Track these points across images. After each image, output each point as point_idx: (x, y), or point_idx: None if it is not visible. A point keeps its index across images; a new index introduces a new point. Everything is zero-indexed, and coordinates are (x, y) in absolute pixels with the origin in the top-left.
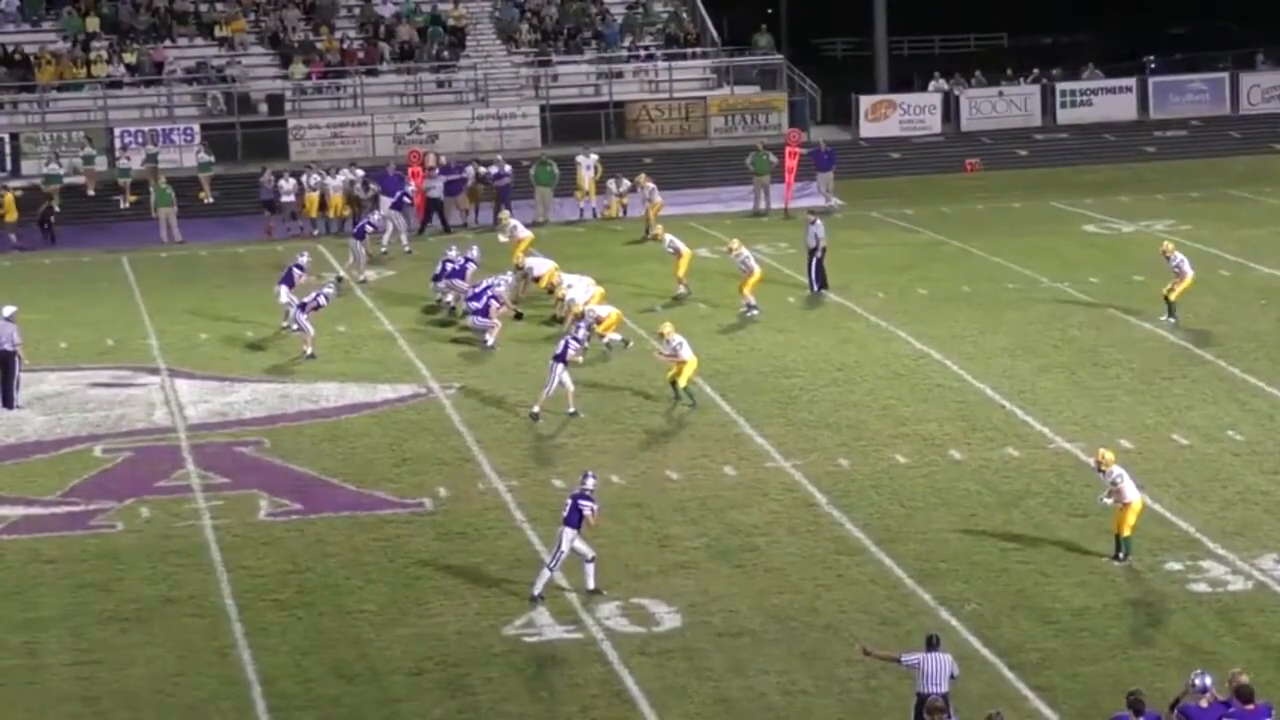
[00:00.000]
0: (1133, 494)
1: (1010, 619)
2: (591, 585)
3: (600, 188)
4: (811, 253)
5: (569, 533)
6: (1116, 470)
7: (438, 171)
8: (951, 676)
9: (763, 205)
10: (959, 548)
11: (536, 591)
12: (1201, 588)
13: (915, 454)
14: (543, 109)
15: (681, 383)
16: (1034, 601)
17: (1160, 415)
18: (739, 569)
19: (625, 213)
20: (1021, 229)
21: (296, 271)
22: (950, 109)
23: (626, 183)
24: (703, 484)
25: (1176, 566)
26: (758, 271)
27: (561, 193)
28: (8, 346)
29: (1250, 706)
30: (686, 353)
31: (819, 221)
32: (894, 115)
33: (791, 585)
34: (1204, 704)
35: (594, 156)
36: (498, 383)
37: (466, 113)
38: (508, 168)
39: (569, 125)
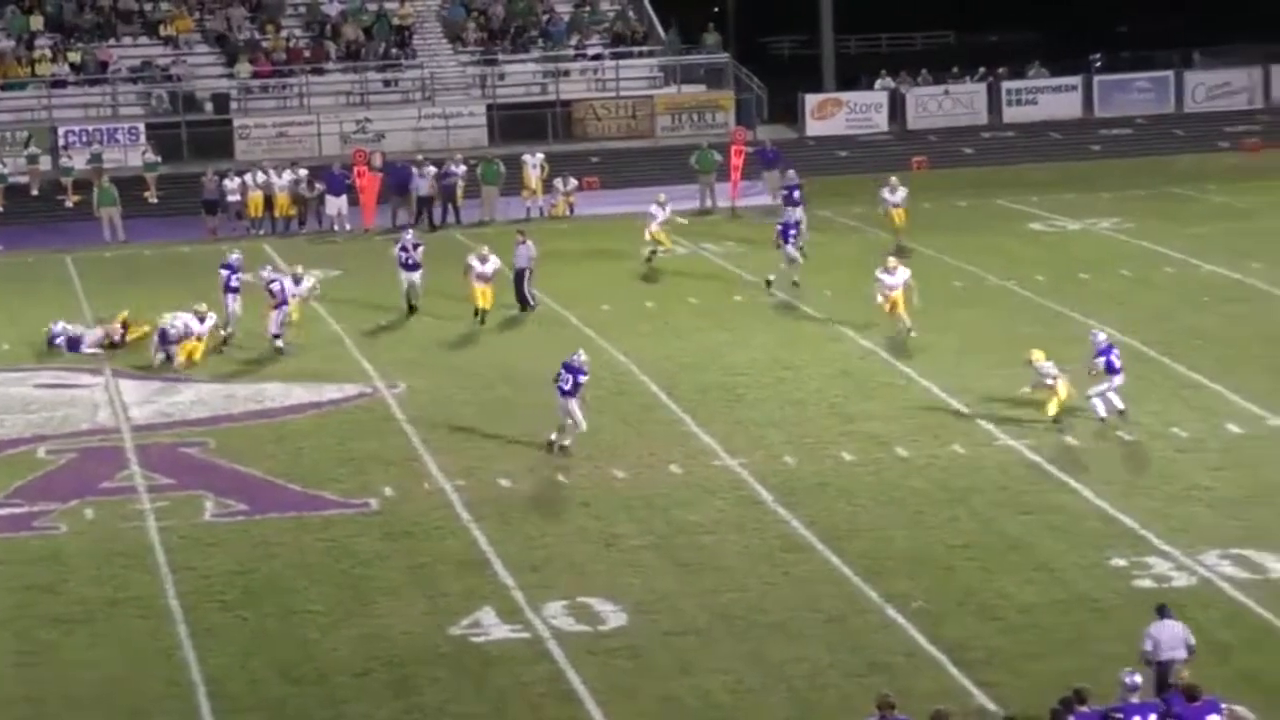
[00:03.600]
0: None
1: (956, 616)
2: (567, 442)
3: (547, 186)
4: (520, 273)
5: (572, 403)
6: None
7: (429, 168)
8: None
9: (709, 203)
10: (905, 545)
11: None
12: (1146, 584)
13: (862, 452)
14: (489, 108)
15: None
16: (980, 598)
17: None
18: (685, 567)
19: (572, 211)
20: (968, 227)
21: (231, 274)
22: (897, 107)
23: (573, 181)
24: (649, 482)
25: (1121, 563)
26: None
27: (508, 192)
28: None
29: (1196, 703)
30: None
31: (529, 242)
32: (840, 114)
33: (738, 583)
34: (1134, 700)
35: (540, 155)
36: (443, 382)
37: (413, 112)
38: (461, 168)
39: (515, 124)
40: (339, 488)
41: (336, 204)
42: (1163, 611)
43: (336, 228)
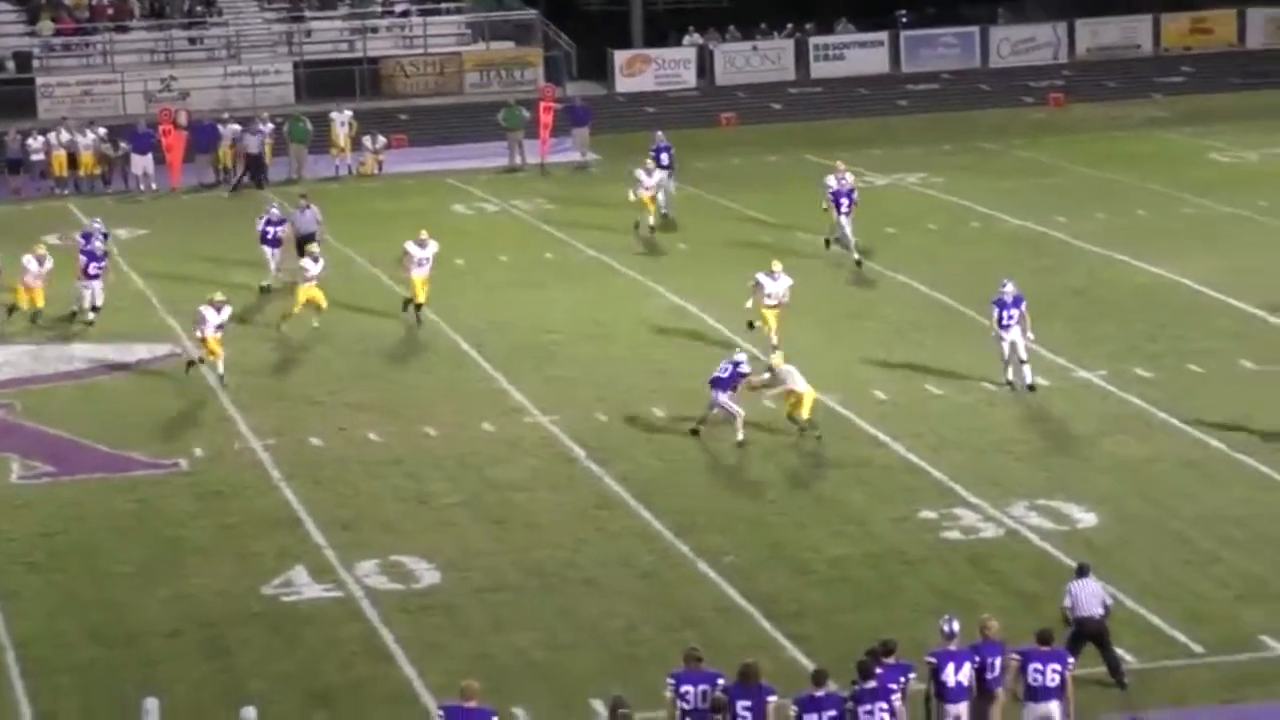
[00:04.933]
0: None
1: (767, 570)
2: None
3: (355, 144)
4: (305, 238)
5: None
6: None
7: (258, 126)
8: (1104, 604)
9: (518, 160)
10: (717, 500)
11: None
12: (955, 535)
13: (673, 408)
14: (296, 65)
15: (804, 414)
16: (791, 552)
17: (915, 366)
18: (498, 525)
19: (381, 169)
20: (777, 183)
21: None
22: (705, 64)
23: (382, 139)
24: (461, 440)
25: (931, 515)
26: None
27: (316, 149)
28: None
29: (1046, 649)
30: (797, 382)
31: (313, 207)
32: (649, 70)
33: (551, 540)
34: (952, 648)
35: (348, 113)
36: (252, 342)
37: (219, 70)
38: (269, 126)
39: (323, 81)
40: (148, 448)
41: (142, 163)
42: (1082, 570)
43: (143, 187)
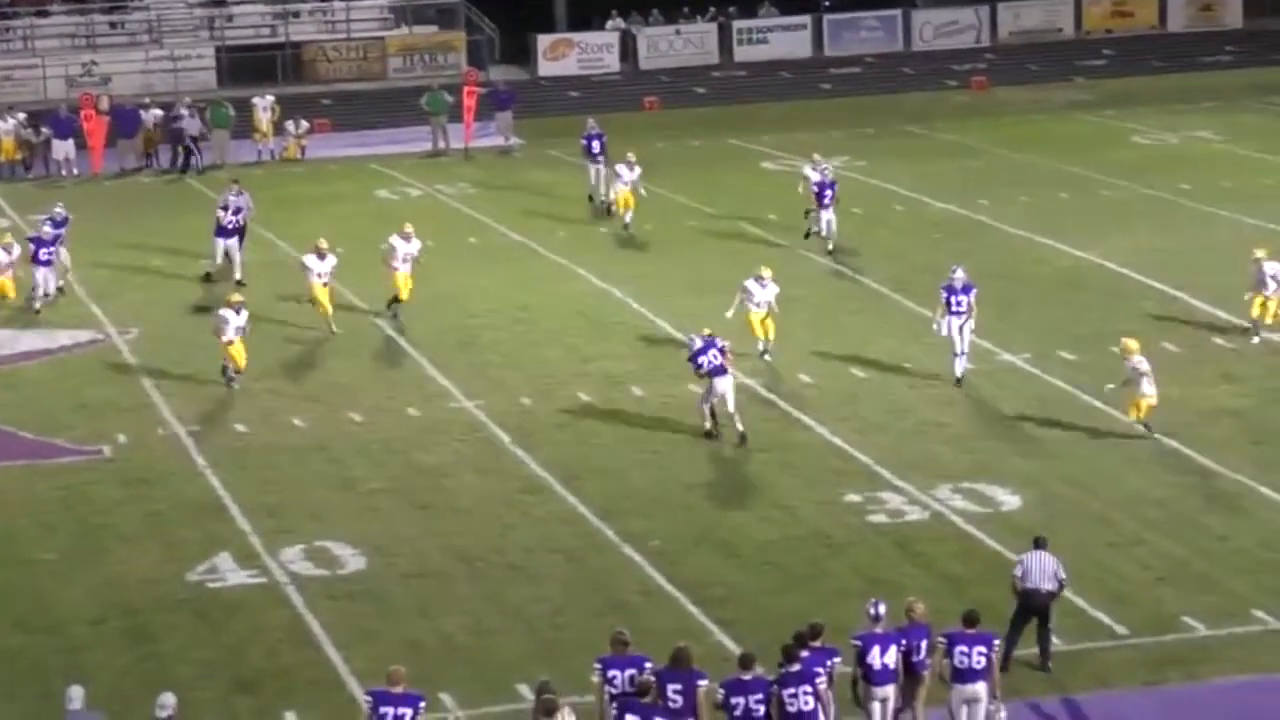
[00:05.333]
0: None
1: (694, 554)
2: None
3: (278, 129)
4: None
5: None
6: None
7: (180, 110)
8: (1058, 578)
9: (442, 145)
10: (643, 484)
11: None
12: (880, 519)
13: (598, 392)
14: (218, 50)
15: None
16: (717, 536)
17: (838, 349)
18: (424, 510)
19: (304, 154)
20: (701, 167)
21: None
22: (628, 48)
23: (305, 124)
24: (386, 426)
25: (856, 499)
26: None
27: (239, 135)
28: None
29: (972, 631)
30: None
31: (246, 194)
32: (572, 54)
33: (477, 525)
34: (879, 631)
35: (270, 98)
36: (176, 328)
37: (140, 54)
38: (191, 111)
39: (245, 66)
40: (72, 435)
41: (64, 148)
42: (1038, 543)
43: (64, 172)
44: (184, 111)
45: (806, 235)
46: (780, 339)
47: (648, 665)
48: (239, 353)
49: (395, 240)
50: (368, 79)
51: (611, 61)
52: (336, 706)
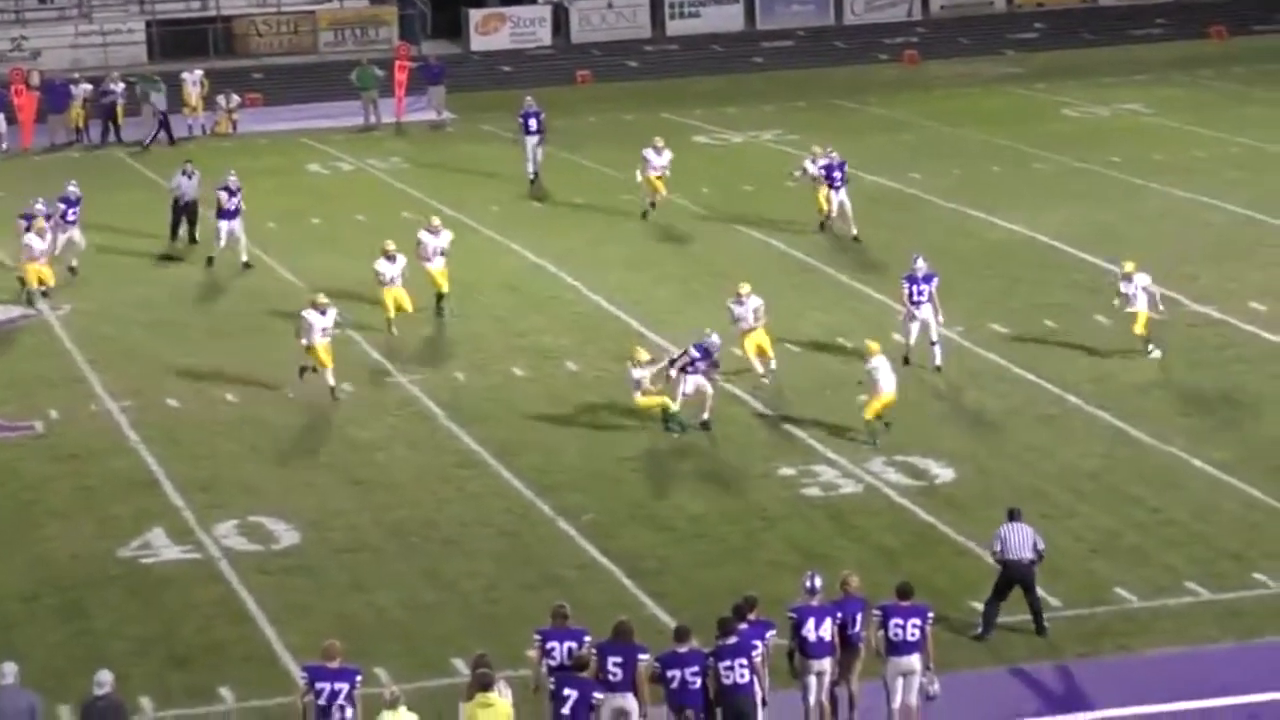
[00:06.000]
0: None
1: (628, 528)
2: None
3: (208, 103)
4: (187, 205)
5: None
6: (874, 360)
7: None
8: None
9: (373, 119)
10: (576, 459)
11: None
12: (814, 492)
13: (532, 367)
14: (148, 24)
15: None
16: (651, 510)
17: (771, 323)
18: (358, 485)
19: (235, 128)
20: (634, 141)
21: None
22: (560, 21)
23: (236, 98)
24: (320, 400)
25: (790, 472)
26: None
27: (169, 109)
28: None
29: (906, 603)
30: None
31: (198, 175)
32: (504, 28)
33: (411, 500)
34: (814, 604)
35: (199, 72)
36: (107, 303)
37: (70, 29)
38: (120, 86)
39: (176, 41)
40: (3, 410)
41: None
42: (1013, 515)
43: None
44: (113, 86)
45: (821, 228)
46: (707, 313)
47: (586, 639)
48: (326, 353)
49: (423, 235)
50: (299, 53)
51: (544, 35)
52: (271, 681)
